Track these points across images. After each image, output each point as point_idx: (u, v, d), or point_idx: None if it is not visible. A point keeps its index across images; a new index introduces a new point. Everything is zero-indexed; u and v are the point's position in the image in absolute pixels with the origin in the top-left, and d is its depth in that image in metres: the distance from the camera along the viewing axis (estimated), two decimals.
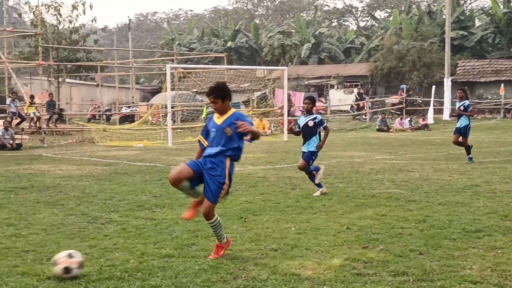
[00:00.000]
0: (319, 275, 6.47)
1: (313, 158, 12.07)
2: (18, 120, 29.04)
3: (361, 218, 9.41)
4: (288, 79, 38.29)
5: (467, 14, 61.03)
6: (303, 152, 12.09)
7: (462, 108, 17.71)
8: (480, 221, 9.11)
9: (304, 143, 12.08)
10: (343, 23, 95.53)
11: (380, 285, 6.12)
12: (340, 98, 50.76)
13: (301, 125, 12.13)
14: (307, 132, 11.99)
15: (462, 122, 17.77)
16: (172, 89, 34.42)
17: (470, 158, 17.48)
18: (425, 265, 6.76)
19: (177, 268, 6.80)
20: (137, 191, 12.53)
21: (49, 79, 42.96)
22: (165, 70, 28.84)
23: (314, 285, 6.16)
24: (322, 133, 12.11)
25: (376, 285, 6.14)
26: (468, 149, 17.63)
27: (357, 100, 47.57)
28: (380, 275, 6.45)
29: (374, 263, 6.91)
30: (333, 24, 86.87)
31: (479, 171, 15.20)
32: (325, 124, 12.15)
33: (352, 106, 47.04)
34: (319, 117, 12.10)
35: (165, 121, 29.72)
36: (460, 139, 17.76)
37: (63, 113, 40.59)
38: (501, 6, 56.47)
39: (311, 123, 11.89)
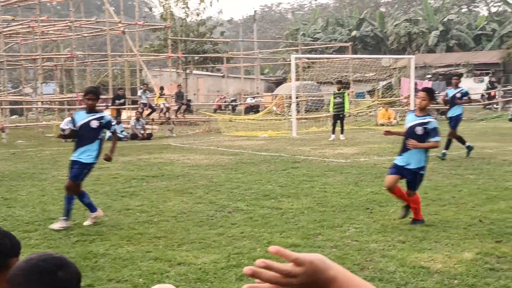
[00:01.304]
0: (449, 269, 6.28)
1: (85, 172, 8.91)
2: (149, 110, 30.15)
3: (494, 211, 9.04)
4: (415, 68, 37.31)
5: None
6: (73, 162, 8.90)
7: (459, 95, 16.03)
8: None
9: (76, 148, 8.94)
10: (473, 9, 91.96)
11: None
12: (470, 87, 48.62)
13: (78, 124, 8.96)
14: (85, 135, 8.88)
15: (455, 111, 16.00)
16: (297, 80, 34.52)
17: (443, 154, 15.47)
18: None
19: None
20: (262, 180, 12.67)
21: (178, 71, 44.32)
22: (290, 61, 28.95)
23: (444, 279, 5.99)
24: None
25: (511, 280, 5.88)
26: (460, 140, 15.95)
27: (488, 88, 45.67)
28: None
29: (509, 258, 6.63)
30: (463, 10, 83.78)
31: None
32: (114, 128, 9.24)
33: (482, 95, 45.24)
34: (108, 117, 9.17)
35: (290, 112, 29.86)
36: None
37: (191, 104, 41.76)
38: None
39: (95, 124, 8.84)
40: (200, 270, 6.43)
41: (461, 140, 16.06)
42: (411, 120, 8.68)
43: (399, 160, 8.57)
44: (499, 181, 11.96)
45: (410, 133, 8.50)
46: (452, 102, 16.23)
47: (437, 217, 8.76)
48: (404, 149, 8.49)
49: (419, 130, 8.43)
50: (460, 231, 7.89)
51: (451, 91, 16.52)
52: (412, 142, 8.26)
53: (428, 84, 44.04)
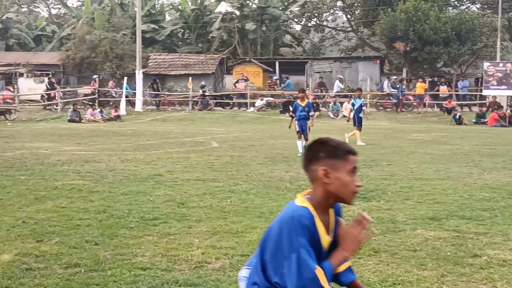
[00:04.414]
0: None
1: None
2: None
3: (40, 211, 9.10)
4: None
5: (158, 9, 62.68)
6: None
7: None
8: (159, 209, 9.41)
9: None
10: (34, 9, 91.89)
11: (50, 279, 5.97)
12: (30, 87, 48.69)
13: None
14: None
15: None
16: None
17: None
18: (98, 255, 6.76)
19: None
20: None
21: None
22: None
23: None
24: None
25: (46, 278, 5.98)
26: None
27: (48, 89, 46.08)
28: (51, 269, 6.30)
29: (47, 256, 6.73)
30: (23, 9, 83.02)
31: (163, 161, 15.68)
32: None
33: (42, 96, 45.47)
34: None
35: None
36: None
37: None
38: (190, 3, 59.11)
39: None
40: None
41: None
42: None
43: None
44: (50, 181, 12.11)
45: None
46: None
47: None
48: None
49: None
50: (3, 233, 7.74)
51: None
52: None
53: None
